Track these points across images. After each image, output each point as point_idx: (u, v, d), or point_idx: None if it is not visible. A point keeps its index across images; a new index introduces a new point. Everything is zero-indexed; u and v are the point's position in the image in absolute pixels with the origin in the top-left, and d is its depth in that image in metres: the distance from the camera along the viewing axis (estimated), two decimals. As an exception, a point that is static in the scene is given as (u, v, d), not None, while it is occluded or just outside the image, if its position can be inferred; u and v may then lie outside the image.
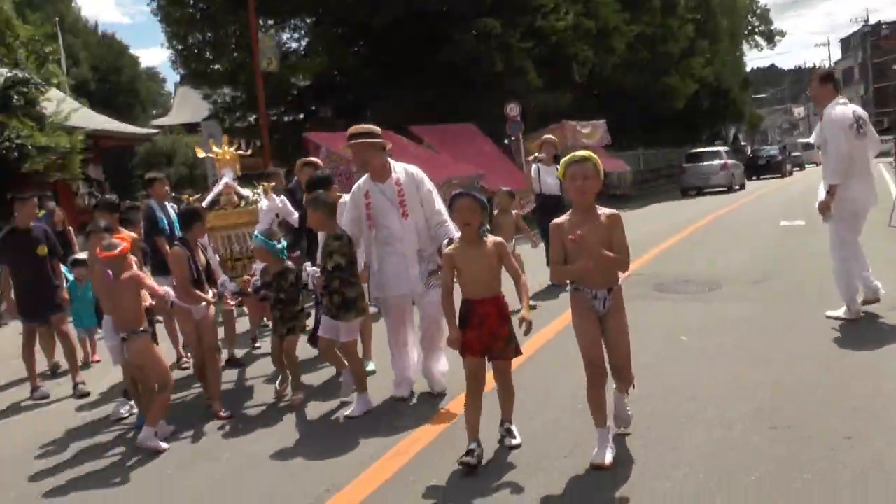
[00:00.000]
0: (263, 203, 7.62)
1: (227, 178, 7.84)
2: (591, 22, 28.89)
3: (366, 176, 6.07)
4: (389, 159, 6.08)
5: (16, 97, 23.97)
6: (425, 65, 25.50)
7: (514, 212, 9.36)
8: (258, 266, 6.77)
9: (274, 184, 8.21)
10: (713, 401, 5.30)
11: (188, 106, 46.78)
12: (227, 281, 6.73)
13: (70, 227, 12.76)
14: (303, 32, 28.25)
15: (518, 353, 4.76)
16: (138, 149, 39.23)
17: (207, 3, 24.77)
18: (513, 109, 23.55)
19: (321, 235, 6.30)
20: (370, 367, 6.88)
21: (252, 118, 26.57)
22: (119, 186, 33.65)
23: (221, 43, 25.91)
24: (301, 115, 28.57)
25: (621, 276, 4.54)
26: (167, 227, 8.09)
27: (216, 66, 26.69)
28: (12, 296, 7.81)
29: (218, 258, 7.19)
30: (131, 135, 37.21)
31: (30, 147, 23.67)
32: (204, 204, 7.40)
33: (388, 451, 4.95)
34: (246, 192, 7.88)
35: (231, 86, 26.59)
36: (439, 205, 5.97)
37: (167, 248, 7.19)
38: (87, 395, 7.42)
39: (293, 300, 6.42)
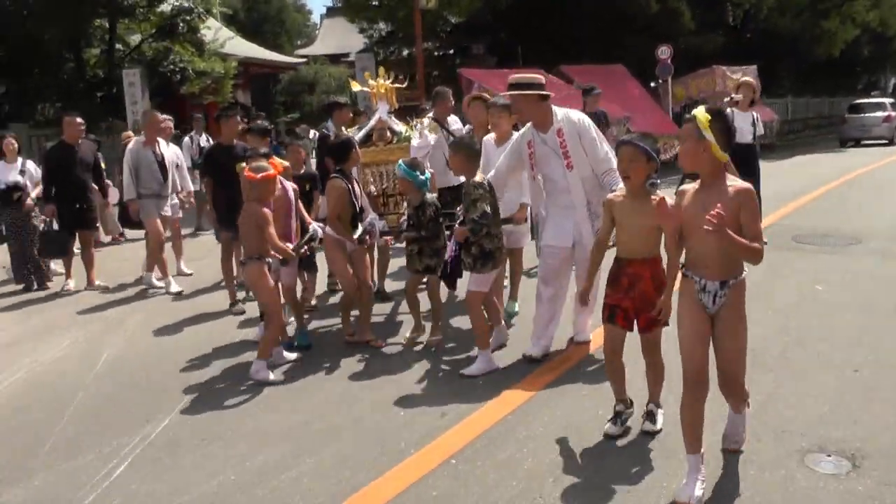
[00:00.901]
0: (415, 140, 7.22)
1: (381, 113, 7.48)
2: (749, -39, 28.38)
3: (529, 125, 5.83)
4: (553, 107, 5.73)
5: (181, 24, 26.05)
6: (579, 3, 25.89)
7: None
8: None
9: (427, 120, 7.76)
10: (841, 346, 5.76)
11: (332, 37, 48.27)
12: (375, 219, 6.55)
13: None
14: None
15: (667, 324, 4.11)
16: (282, 77, 40.87)
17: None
18: (664, 52, 23.54)
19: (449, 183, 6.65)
20: (514, 307, 7.04)
21: (405, 52, 27.56)
22: (263, 111, 35.53)
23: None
24: (452, 51, 29.41)
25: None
26: None
27: (374, 2, 27.65)
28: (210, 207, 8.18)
29: (370, 191, 7.23)
30: (278, 63, 39.31)
31: (190, 71, 25.86)
32: (357, 138, 7.12)
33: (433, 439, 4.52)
34: (399, 127, 7.48)
35: (387, 21, 27.54)
36: (604, 152, 5.63)
37: None
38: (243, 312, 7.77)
39: (434, 235, 6.18)
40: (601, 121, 10.52)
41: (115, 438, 4.70)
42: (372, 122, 7.55)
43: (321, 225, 6.52)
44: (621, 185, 4.74)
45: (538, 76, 5.72)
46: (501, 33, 27.62)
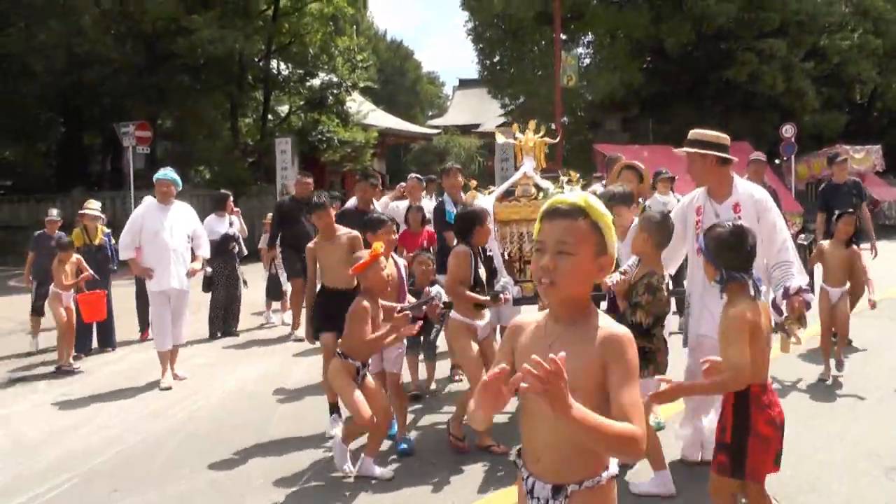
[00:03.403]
0: None
1: (526, 168, 6.62)
2: (878, 40, 28.45)
3: (702, 189, 5.21)
4: (735, 176, 5.19)
5: (330, 98, 28.38)
6: (707, 82, 26.86)
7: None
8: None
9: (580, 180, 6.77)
10: None
11: (464, 109, 50.26)
12: (509, 283, 6.04)
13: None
14: (596, 49, 30.18)
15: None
16: (413, 146, 42.93)
17: (515, 24, 27.41)
18: (788, 131, 23.87)
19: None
20: (660, 421, 5.82)
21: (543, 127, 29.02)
22: (394, 178, 37.39)
23: (523, 59, 28.59)
24: (586, 126, 30.68)
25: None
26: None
27: (514, 77, 29.31)
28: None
29: (505, 258, 6.42)
30: (414, 134, 41.47)
31: (335, 140, 28.09)
32: (496, 193, 6.56)
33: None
34: (547, 184, 6.55)
35: (528, 96, 29.08)
36: (783, 240, 4.95)
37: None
38: None
39: None
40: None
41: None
42: (516, 177, 6.66)
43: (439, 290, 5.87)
44: (796, 282, 4.57)
45: (723, 136, 5.13)
46: (634, 110, 28.75)
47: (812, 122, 27.40)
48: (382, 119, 37.81)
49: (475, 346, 5.47)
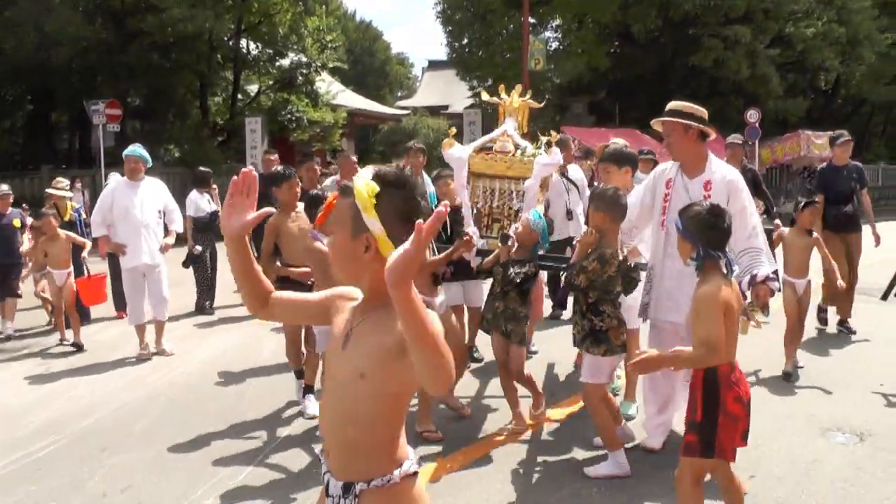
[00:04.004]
0: (542, 157, 5.91)
1: (507, 126, 6.29)
2: (842, 29, 28.96)
3: (675, 162, 5.05)
4: (711, 155, 4.98)
5: (299, 78, 28.45)
6: (673, 67, 27.34)
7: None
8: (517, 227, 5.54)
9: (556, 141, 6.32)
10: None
11: (433, 90, 50.29)
12: (476, 233, 5.75)
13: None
14: (564, 33, 30.47)
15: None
16: (381, 127, 43.11)
17: (484, 7, 27.64)
18: (752, 116, 24.34)
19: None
20: (631, 410, 5.75)
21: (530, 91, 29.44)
22: (362, 159, 37.57)
23: (492, 42, 28.86)
24: (553, 108, 31.05)
25: None
26: None
27: (482, 59, 29.63)
28: None
29: (474, 211, 6.14)
30: (383, 115, 41.59)
31: (304, 120, 28.20)
32: (473, 145, 6.25)
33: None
34: (525, 143, 6.18)
35: (497, 80, 29.45)
36: (752, 226, 4.81)
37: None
38: None
39: (521, 296, 5.31)
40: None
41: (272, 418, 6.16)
42: (496, 133, 6.30)
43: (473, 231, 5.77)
44: (764, 270, 4.58)
45: (700, 109, 4.92)
46: (600, 94, 29.15)
47: (775, 107, 27.91)
48: (352, 99, 37.89)
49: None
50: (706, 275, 3.61)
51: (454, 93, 44.35)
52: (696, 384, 3.57)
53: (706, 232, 3.62)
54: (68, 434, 5.64)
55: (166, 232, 8.27)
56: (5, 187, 9.47)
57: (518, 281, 5.18)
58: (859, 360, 7.35)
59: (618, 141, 6.78)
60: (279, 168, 6.59)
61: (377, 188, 1.99)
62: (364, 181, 2.01)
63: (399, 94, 61.18)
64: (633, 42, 27.70)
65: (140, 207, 7.99)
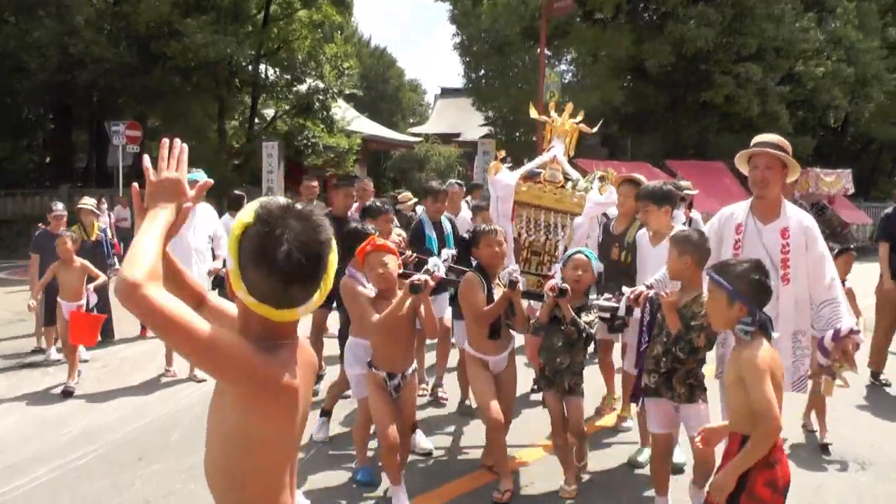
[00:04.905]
0: (595, 194, 5.63)
1: (556, 151, 5.92)
2: (850, 69, 29.33)
3: (745, 204, 4.68)
4: (785, 200, 4.59)
5: (316, 103, 28.91)
6: (685, 102, 27.72)
7: None
8: (557, 266, 5.31)
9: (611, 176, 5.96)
10: None
11: (445, 117, 50.71)
12: (516, 271, 5.11)
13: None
14: (579, 66, 30.91)
15: None
16: (393, 153, 43.49)
17: (501, 39, 28.13)
18: (762, 152, 24.60)
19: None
20: (644, 455, 5.32)
21: (524, 139, 29.73)
22: (375, 185, 37.83)
23: (508, 73, 29.44)
24: (567, 141, 31.62)
25: None
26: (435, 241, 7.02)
27: (498, 90, 30.08)
28: None
29: (513, 244, 5.69)
30: (396, 141, 42.06)
31: (320, 145, 28.61)
32: (521, 171, 5.85)
33: None
34: (576, 174, 5.90)
35: (512, 111, 29.83)
36: (831, 277, 4.46)
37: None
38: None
39: (577, 351, 4.89)
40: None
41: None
42: (545, 157, 5.90)
43: (445, 258, 5.47)
44: (846, 323, 4.24)
45: (787, 143, 4.55)
46: (614, 127, 29.53)
47: (786, 144, 28.08)
48: (366, 126, 38.35)
49: (487, 376, 5.00)
50: (753, 337, 3.28)
51: (466, 121, 44.75)
52: (728, 453, 3.29)
53: (759, 294, 3.33)
54: (105, 443, 5.87)
55: (214, 257, 8.25)
56: (60, 206, 9.25)
57: (591, 332, 4.81)
58: (868, 396, 7.52)
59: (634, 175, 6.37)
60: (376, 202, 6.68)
61: (249, 221, 1.88)
62: (246, 210, 1.92)
63: (411, 120, 61.73)
64: (647, 77, 28.08)
65: (193, 231, 7.84)
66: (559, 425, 4.92)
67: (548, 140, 6.05)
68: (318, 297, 1.94)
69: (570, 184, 5.71)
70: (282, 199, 1.93)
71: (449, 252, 5.63)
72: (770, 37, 27.21)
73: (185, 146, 2.11)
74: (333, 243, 1.98)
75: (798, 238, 4.43)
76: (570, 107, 6.12)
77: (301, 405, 1.97)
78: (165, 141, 2.09)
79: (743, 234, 4.52)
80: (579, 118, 6.07)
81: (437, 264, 5.05)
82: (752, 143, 4.58)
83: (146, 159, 2.11)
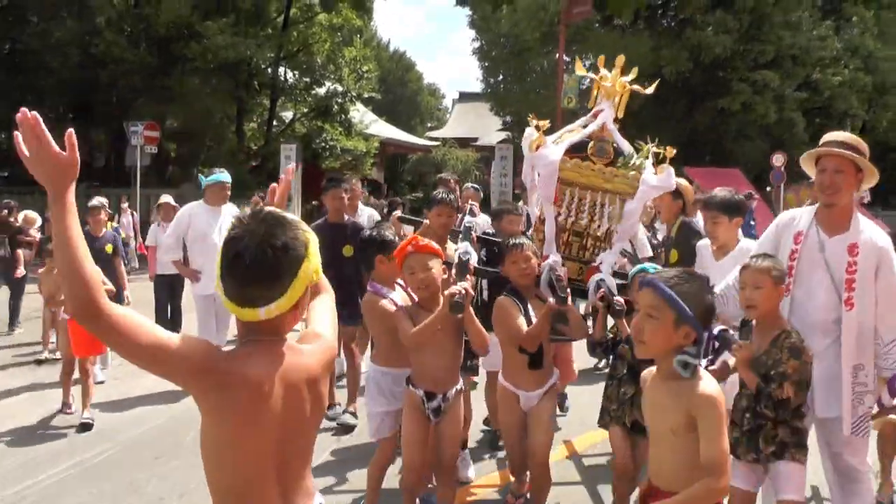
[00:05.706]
0: (650, 175, 4.64)
1: (606, 116, 4.84)
2: (867, 77, 29.17)
3: (809, 210, 4.06)
4: (858, 213, 3.93)
5: (335, 106, 29.07)
6: (702, 109, 27.70)
7: None
8: (606, 257, 4.67)
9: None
10: None
11: (462, 122, 50.77)
12: (558, 262, 4.55)
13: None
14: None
15: None
16: (411, 157, 43.60)
17: (520, 45, 28.26)
18: (778, 160, 24.36)
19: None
20: None
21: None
22: (391, 189, 37.91)
23: (527, 78, 29.58)
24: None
25: None
26: None
27: (516, 95, 30.21)
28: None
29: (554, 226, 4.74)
30: (412, 145, 42.24)
31: (337, 148, 28.77)
32: (564, 145, 4.71)
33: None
34: (628, 147, 4.85)
35: (530, 115, 30.10)
36: None
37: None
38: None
39: (634, 375, 3.94)
40: None
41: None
42: (592, 127, 4.84)
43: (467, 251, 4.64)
44: None
45: (864, 144, 3.96)
46: (631, 132, 29.49)
47: (802, 152, 27.98)
48: (384, 129, 38.56)
49: (514, 411, 4.30)
50: (698, 369, 2.61)
51: (484, 125, 44.82)
52: None
53: (709, 320, 2.68)
54: (120, 442, 5.98)
55: None
56: (101, 200, 8.49)
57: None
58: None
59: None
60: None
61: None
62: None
63: (429, 124, 61.81)
64: (664, 83, 28.05)
65: (218, 233, 7.31)
66: (626, 471, 4.09)
67: (594, 100, 5.01)
68: (284, 301, 1.96)
69: (621, 159, 4.76)
70: (267, 208, 2.05)
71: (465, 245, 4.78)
72: (787, 44, 27.14)
73: (36, 114, 1.84)
74: (311, 249, 2.02)
75: (869, 258, 3.74)
76: (621, 60, 4.98)
77: (272, 401, 1.94)
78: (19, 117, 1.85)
79: (802, 245, 3.89)
80: (632, 76, 4.98)
81: (468, 251, 4.54)
82: (821, 142, 4.05)
83: (17, 136, 1.87)
